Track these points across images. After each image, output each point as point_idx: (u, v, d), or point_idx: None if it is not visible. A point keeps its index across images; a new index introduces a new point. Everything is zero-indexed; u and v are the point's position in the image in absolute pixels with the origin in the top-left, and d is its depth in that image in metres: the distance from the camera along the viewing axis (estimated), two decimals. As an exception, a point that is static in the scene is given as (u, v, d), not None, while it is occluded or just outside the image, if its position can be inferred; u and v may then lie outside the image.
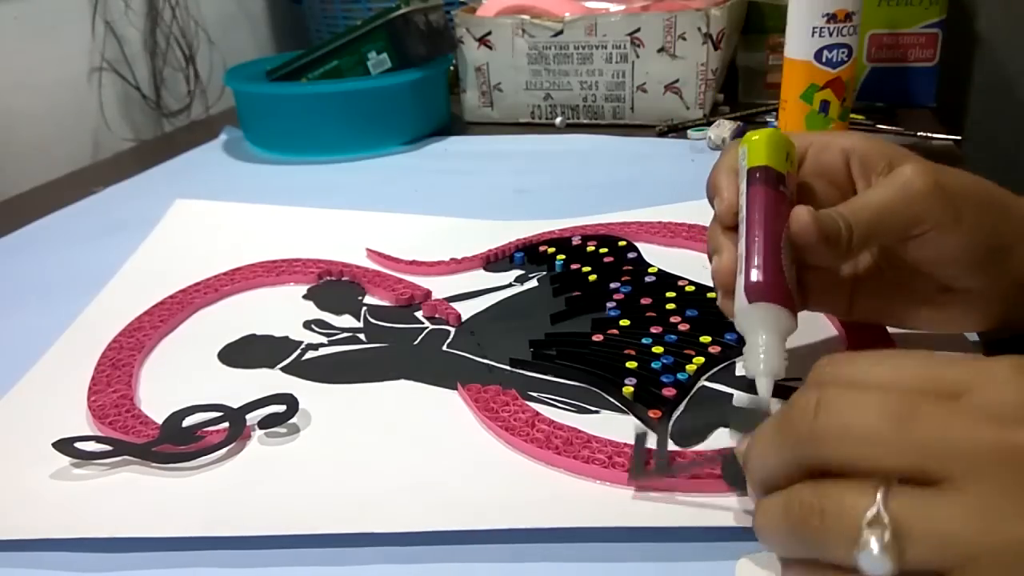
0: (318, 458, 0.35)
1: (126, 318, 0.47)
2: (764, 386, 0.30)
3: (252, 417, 0.37)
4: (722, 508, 0.30)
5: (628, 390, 0.37)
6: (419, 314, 0.47)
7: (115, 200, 0.71)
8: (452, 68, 0.89)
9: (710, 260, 0.35)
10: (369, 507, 0.32)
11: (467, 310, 0.46)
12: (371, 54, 0.80)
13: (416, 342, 0.44)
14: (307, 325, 0.47)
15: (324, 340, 0.45)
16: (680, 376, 0.38)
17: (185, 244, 0.59)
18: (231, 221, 0.62)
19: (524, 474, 0.33)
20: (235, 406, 0.38)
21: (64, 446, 0.35)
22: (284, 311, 0.48)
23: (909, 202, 0.31)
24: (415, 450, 0.35)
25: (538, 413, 0.36)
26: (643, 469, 0.31)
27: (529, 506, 0.31)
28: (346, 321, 0.47)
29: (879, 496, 0.21)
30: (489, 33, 0.83)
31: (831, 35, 0.66)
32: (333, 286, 0.51)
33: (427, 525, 0.30)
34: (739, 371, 0.39)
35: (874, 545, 0.21)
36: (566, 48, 0.81)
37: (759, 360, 0.30)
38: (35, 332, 0.47)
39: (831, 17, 0.66)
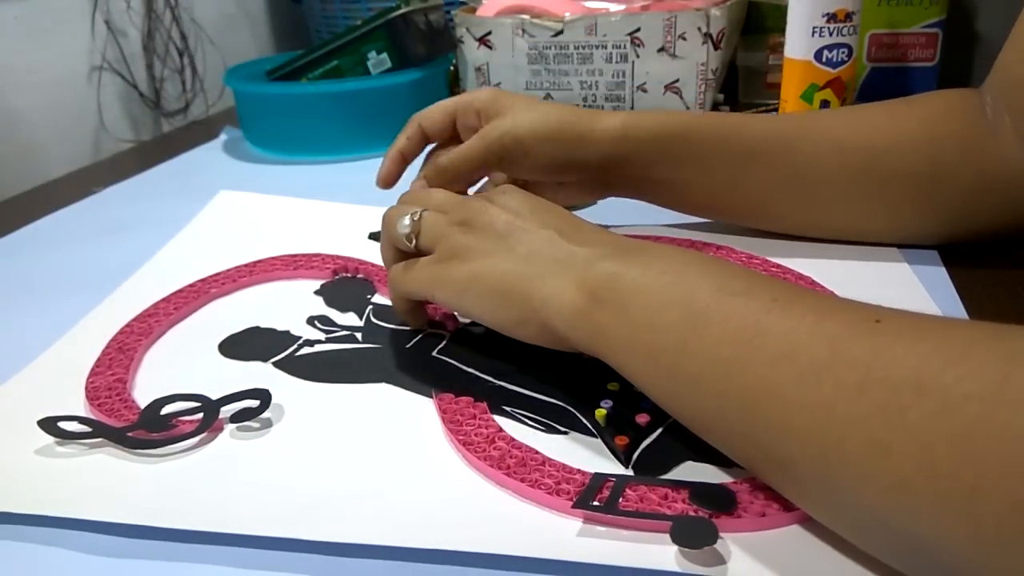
0: (280, 458, 0.35)
1: (147, 303, 0.48)
2: None
3: (228, 410, 0.37)
4: (665, 549, 0.29)
5: (601, 413, 0.36)
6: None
7: (115, 200, 0.71)
8: (452, 68, 0.89)
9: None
10: (309, 513, 0.32)
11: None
12: (371, 54, 0.80)
13: (409, 345, 0.44)
14: (310, 321, 0.47)
15: (322, 337, 0.45)
16: None
17: (221, 234, 0.60)
18: (272, 213, 0.63)
19: (473, 492, 0.32)
20: (214, 398, 0.38)
21: (47, 424, 0.36)
22: (292, 305, 0.49)
23: (486, 150, 0.48)
24: (374, 457, 0.35)
25: (501, 430, 0.35)
26: (590, 501, 0.30)
27: (466, 527, 0.30)
28: (350, 319, 0.47)
29: (421, 209, 0.41)
30: (489, 33, 0.83)
31: (831, 35, 0.66)
32: (345, 283, 0.52)
33: (356, 537, 0.30)
34: None
35: (407, 219, 0.40)
36: (566, 48, 0.81)
37: None
38: (34, 332, 0.47)
39: (831, 17, 0.66)
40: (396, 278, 0.42)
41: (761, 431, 0.28)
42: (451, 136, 0.52)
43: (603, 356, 0.34)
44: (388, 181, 0.53)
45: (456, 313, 0.45)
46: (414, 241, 0.40)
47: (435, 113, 0.51)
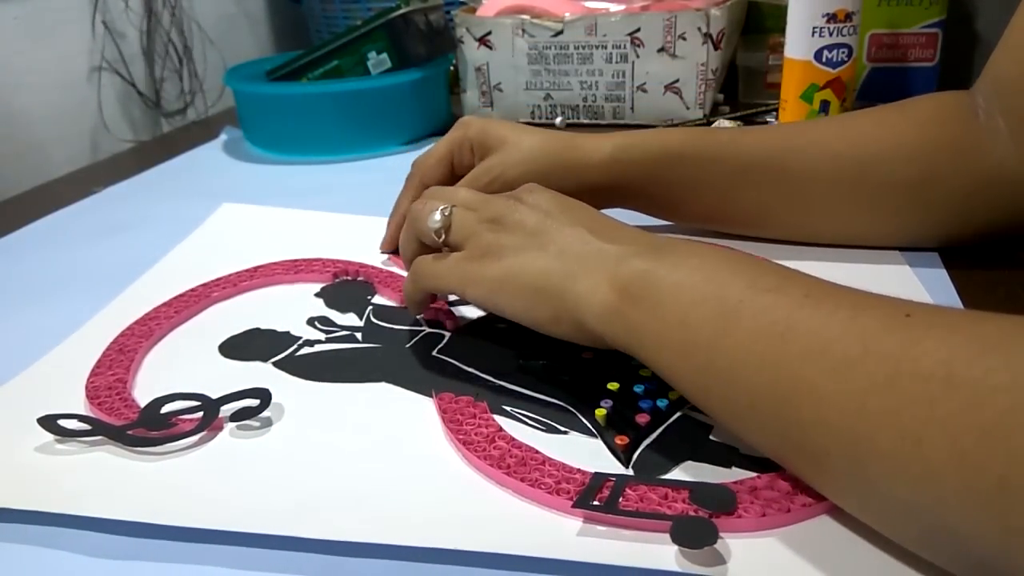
0: (280, 456, 0.35)
1: (148, 308, 0.48)
2: None
3: (228, 409, 0.37)
4: (665, 549, 0.29)
5: (601, 413, 0.36)
6: (420, 316, 0.47)
7: (115, 200, 0.71)
8: (452, 68, 0.89)
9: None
10: (309, 511, 0.31)
11: (472, 315, 0.46)
12: (371, 54, 0.80)
13: (408, 345, 0.44)
14: (310, 322, 0.47)
15: (322, 337, 0.45)
16: (660, 403, 0.36)
17: (223, 243, 0.59)
18: (274, 224, 0.63)
19: (472, 491, 0.32)
20: (215, 396, 0.38)
21: (47, 422, 0.37)
22: (292, 307, 0.49)
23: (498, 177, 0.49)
24: (374, 457, 0.35)
25: (501, 429, 0.35)
26: (590, 501, 0.30)
27: (466, 526, 0.30)
28: (350, 320, 0.47)
29: (451, 205, 0.40)
30: (489, 33, 0.83)
31: (831, 35, 0.66)
32: (346, 285, 0.52)
33: (356, 536, 0.30)
34: None
35: (437, 215, 0.40)
36: (566, 48, 0.81)
37: None
38: (35, 333, 0.47)
39: (831, 17, 0.66)
40: (424, 270, 0.41)
41: (794, 425, 0.28)
42: (451, 179, 0.53)
43: (635, 353, 0.34)
44: (394, 246, 0.54)
45: (485, 311, 0.45)
46: (443, 236, 0.40)
47: (431, 162, 0.52)
